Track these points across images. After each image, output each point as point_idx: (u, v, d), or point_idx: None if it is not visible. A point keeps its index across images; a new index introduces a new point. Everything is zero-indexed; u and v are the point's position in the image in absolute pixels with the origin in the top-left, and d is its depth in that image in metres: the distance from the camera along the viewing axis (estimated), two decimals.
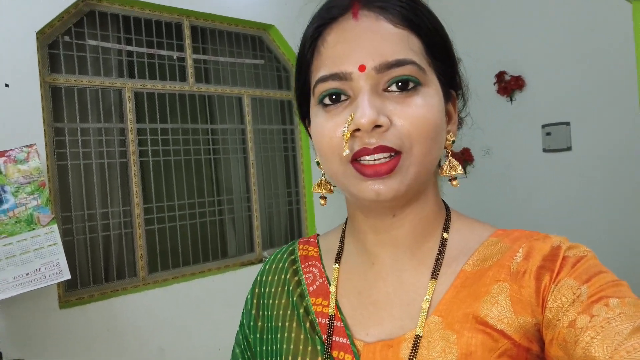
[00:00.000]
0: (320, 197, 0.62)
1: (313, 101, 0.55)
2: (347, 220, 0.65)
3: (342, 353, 0.54)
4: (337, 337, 0.55)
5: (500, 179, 4.07)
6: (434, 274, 0.54)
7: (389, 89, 0.50)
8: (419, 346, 0.50)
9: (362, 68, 0.49)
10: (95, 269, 3.07)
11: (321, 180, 0.60)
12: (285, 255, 0.68)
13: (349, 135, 0.49)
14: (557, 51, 3.58)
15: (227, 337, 3.58)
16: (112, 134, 3.19)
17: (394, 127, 0.49)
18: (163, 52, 3.42)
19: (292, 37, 4.04)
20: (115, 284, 3.12)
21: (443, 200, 0.61)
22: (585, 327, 0.43)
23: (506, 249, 0.53)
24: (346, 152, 0.49)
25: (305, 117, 0.61)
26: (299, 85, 0.58)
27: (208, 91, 3.66)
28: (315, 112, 0.54)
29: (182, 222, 3.48)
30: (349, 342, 0.54)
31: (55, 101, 2.93)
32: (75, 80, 3.00)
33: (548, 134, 3.83)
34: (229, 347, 3.63)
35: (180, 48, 3.53)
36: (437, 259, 0.55)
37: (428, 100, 0.50)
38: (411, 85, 0.50)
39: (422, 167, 0.51)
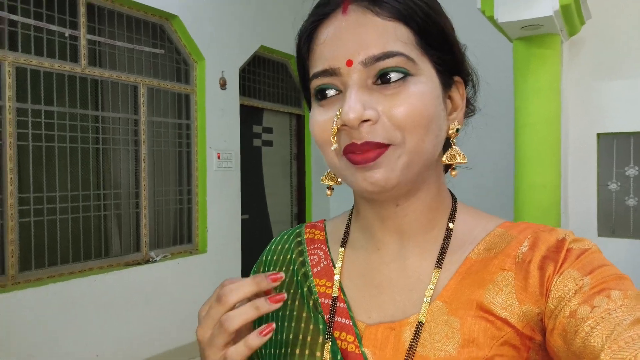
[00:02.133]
0: (327, 188, 0.62)
1: (312, 95, 0.56)
2: (353, 206, 0.66)
3: (343, 333, 0.54)
4: (340, 318, 0.56)
5: None
6: (439, 263, 0.55)
7: (378, 82, 0.50)
8: (421, 330, 0.51)
9: (349, 63, 0.50)
10: None
11: (328, 172, 0.61)
12: (291, 237, 0.68)
13: (336, 131, 0.50)
14: None
15: (108, 342, 3.34)
16: None
17: (383, 120, 0.49)
18: (53, 27, 3.09)
19: (194, 30, 3.92)
20: None
21: (450, 191, 0.62)
22: (586, 317, 0.43)
23: (512, 238, 0.54)
24: (334, 146, 0.50)
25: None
26: (301, 79, 0.60)
27: (102, 75, 3.38)
28: (313, 105, 0.55)
29: (62, 215, 3.15)
30: (351, 323, 0.55)
31: None
32: None
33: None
34: (108, 354, 3.43)
35: (74, 25, 3.22)
36: (442, 248, 0.56)
37: (419, 89, 0.50)
38: (400, 76, 0.49)
39: (415, 157, 0.50)
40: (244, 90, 4.60)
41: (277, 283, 0.50)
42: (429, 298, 0.52)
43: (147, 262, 3.63)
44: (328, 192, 0.63)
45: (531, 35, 3.09)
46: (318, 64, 0.53)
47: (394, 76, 0.49)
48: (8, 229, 2.84)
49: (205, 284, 3.94)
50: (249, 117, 4.67)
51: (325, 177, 0.62)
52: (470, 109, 0.62)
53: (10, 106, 2.85)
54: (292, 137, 5.33)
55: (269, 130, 4.99)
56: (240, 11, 4.35)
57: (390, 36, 0.50)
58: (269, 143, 4.99)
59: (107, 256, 3.45)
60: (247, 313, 0.48)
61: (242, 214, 4.44)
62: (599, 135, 3.58)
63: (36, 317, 2.85)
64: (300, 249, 0.66)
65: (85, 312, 3.12)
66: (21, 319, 2.78)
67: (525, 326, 0.48)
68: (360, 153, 0.49)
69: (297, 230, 0.70)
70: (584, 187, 3.55)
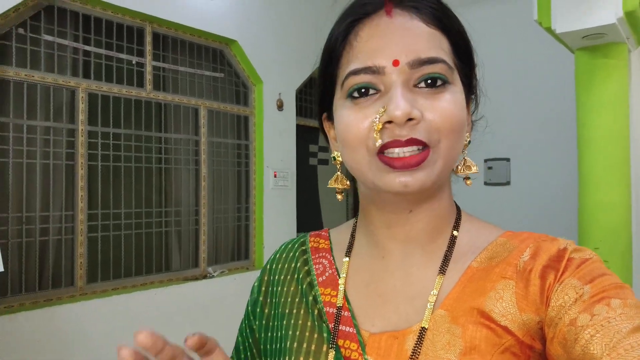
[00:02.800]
0: (337, 192, 0.63)
1: (340, 94, 0.55)
2: (358, 215, 0.66)
3: (347, 342, 0.55)
4: (344, 327, 0.56)
5: None
6: (442, 270, 0.55)
7: (419, 85, 0.51)
8: (424, 338, 0.51)
9: (395, 63, 0.50)
10: (29, 276, 2.87)
11: (337, 175, 0.62)
12: (296, 246, 0.69)
13: (380, 127, 0.50)
14: (501, 92, 3.84)
15: None
16: (61, 134, 3.04)
17: (425, 121, 0.50)
18: (122, 56, 3.34)
19: (253, 54, 4.07)
20: (49, 292, 2.93)
21: (454, 201, 0.62)
22: (586, 325, 0.44)
23: (514, 247, 0.54)
24: (378, 142, 0.50)
25: (324, 113, 0.62)
26: (324, 79, 0.59)
27: (165, 99, 3.59)
28: (342, 104, 0.55)
29: (127, 231, 3.35)
30: (355, 332, 0.55)
31: (2, 95, 2.77)
32: (26, 75, 2.85)
33: (490, 168, 4.07)
34: None
35: (140, 53, 3.46)
36: (445, 255, 0.56)
37: (455, 97, 0.52)
38: (440, 82, 0.51)
39: (447, 161, 0.52)
40: (300, 111, 4.70)
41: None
42: (432, 304, 0.53)
43: (205, 277, 3.75)
44: (339, 197, 0.63)
45: (594, 45, 2.92)
46: (359, 61, 0.52)
47: (434, 82, 0.51)
48: (78, 243, 3.06)
49: None
50: (305, 136, 4.76)
51: (334, 181, 0.62)
52: (472, 125, 0.63)
53: (82, 129, 3.09)
54: (331, 149, 5.34)
55: (324, 149, 5.05)
56: (296, 34, 4.47)
57: (436, 43, 0.52)
58: (324, 162, 5.04)
59: (167, 271, 3.61)
60: None
61: (298, 230, 4.50)
62: None
63: (100, 327, 3.02)
64: (305, 257, 0.66)
65: (146, 324, 3.26)
66: (86, 328, 2.96)
67: (526, 335, 0.49)
68: (400, 158, 0.50)
69: (302, 240, 0.70)
70: None
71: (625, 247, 2.87)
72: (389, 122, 0.50)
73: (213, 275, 3.78)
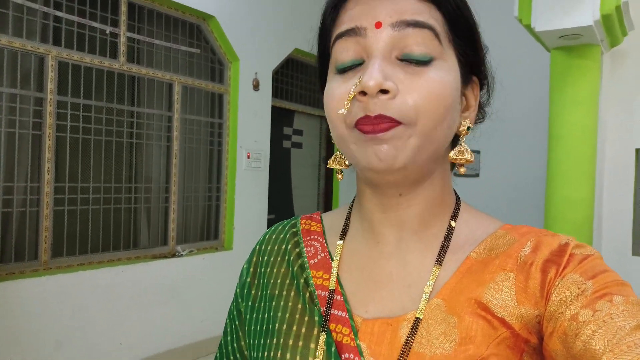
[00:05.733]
0: (336, 172, 0.61)
1: (330, 67, 0.55)
2: (354, 199, 0.65)
3: (339, 326, 0.54)
4: (336, 311, 0.55)
5: None
6: (439, 260, 0.54)
7: (403, 58, 0.49)
8: (418, 327, 0.50)
9: (378, 25, 0.49)
10: None
11: (336, 155, 0.60)
12: (287, 228, 0.68)
13: (352, 97, 0.49)
14: None
15: (132, 332, 3.42)
16: (28, 102, 2.91)
17: (400, 97, 0.48)
18: (95, 24, 3.20)
19: (230, 31, 3.99)
20: (12, 265, 2.83)
21: (455, 192, 0.61)
22: (588, 320, 0.43)
23: (514, 241, 0.54)
24: (342, 110, 0.49)
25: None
26: (319, 58, 0.59)
27: (139, 72, 3.48)
28: (331, 77, 0.54)
29: (94, 206, 3.26)
30: (347, 316, 0.54)
31: None
32: None
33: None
34: (132, 343, 3.50)
35: (115, 23, 3.33)
36: (442, 245, 0.55)
37: (441, 75, 0.49)
38: (426, 58, 0.49)
39: (426, 142, 0.49)
40: (276, 92, 4.65)
41: None
42: (428, 295, 0.52)
43: (174, 255, 3.70)
44: (339, 176, 0.62)
45: (570, 45, 3.01)
46: (343, 26, 0.52)
47: (420, 57, 0.49)
48: (43, 216, 2.95)
49: (229, 280, 3.98)
50: (280, 118, 4.72)
51: (333, 161, 0.61)
52: (481, 114, 0.61)
53: (51, 98, 2.96)
54: (322, 140, 5.35)
55: (299, 132, 5.02)
56: (276, 14, 4.40)
57: (424, 12, 0.50)
58: (298, 145, 5.02)
59: (135, 248, 3.54)
60: None
61: (269, 213, 4.48)
62: (637, 150, 3.44)
63: (65, 303, 2.95)
64: (296, 239, 0.65)
65: (112, 301, 3.20)
66: (50, 304, 2.88)
67: (522, 328, 0.48)
68: (371, 125, 0.48)
69: (293, 222, 0.69)
70: (620, 204, 3.42)
71: (587, 242, 3.00)
72: (364, 93, 0.48)
73: (182, 254, 3.73)
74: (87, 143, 3.21)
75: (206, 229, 4.09)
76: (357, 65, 0.51)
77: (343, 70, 0.52)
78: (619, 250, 3.35)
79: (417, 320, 0.50)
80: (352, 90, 0.49)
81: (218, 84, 4.09)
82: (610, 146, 3.44)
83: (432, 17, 0.50)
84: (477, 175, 4.11)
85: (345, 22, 0.52)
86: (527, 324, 0.48)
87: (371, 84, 0.46)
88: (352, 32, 0.51)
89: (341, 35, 0.52)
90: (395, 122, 0.48)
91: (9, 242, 2.85)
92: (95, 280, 3.12)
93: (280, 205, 4.74)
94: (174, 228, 3.76)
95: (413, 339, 0.49)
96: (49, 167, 2.97)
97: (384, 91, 0.47)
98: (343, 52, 0.52)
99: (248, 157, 4.22)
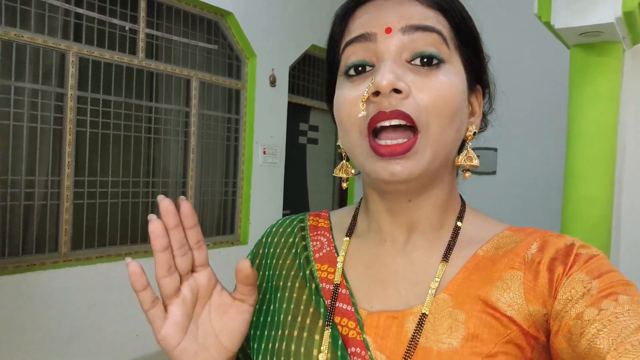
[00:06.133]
0: (342, 181, 0.62)
1: (339, 74, 0.55)
2: (361, 200, 0.65)
3: (345, 319, 0.54)
4: (341, 304, 0.55)
5: None
6: (445, 257, 0.55)
7: (413, 62, 0.50)
8: (424, 321, 0.50)
9: (388, 30, 0.50)
10: (13, 240, 2.84)
11: (342, 164, 0.61)
12: (295, 222, 0.68)
13: (366, 97, 0.49)
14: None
15: (147, 324, 3.45)
16: (49, 98, 2.97)
17: (413, 98, 0.49)
18: (115, 21, 3.25)
19: (248, 28, 4.01)
20: (33, 257, 2.90)
21: (460, 195, 0.61)
22: (593, 319, 0.44)
23: (520, 240, 0.54)
24: (362, 114, 0.50)
25: (332, 98, 0.61)
26: (328, 65, 0.60)
27: (157, 68, 3.52)
28: (340, 84, 0.55)
29: (113, 199, 3.32)
30: (353, 310, 0.54)
31: None
32: (15, 35, 2.76)
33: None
34: (147, 335, 3.53)
35: (134, 20, 3.37)
36: (449, 244, 0.56)
37: (449, 78, 0.51)
38: (435, 61, 0.50)
39: (438, 148, 0.50)
40: (292, 88, 4.66)
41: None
42: (434, 290, 0.52)
43: None
44: (344, 184, 0.62)
45: (590, 43, 2.95)
46: (353, 33, 0.53)
47: (429, 60, 0.50)
48: (63, 209, 3.02)
49: None
50: (296, 114, 4.73)
51: (339, 170, 0.61)
52: (484, 122, 0.62)
53: (72, 94, 3.02)
54: (338, 137, 5.34)
55: (314, 128, 5.03)
56: (293, 11, 4.40)
57: (432, 18, 0.52)
58: (314, 141, 5.03)
59: None
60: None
61: (284, 209, 4.51)
62: None
63: (84, 294, 3.02)
64: (303, 234, 0.66)
65: (128, 293, 3.26)
66: (69, 295, 2.95)
67: (531, 326, 0.48)
68: (387, 146, 0.49)
69: (301, 217, 0.69)
70: (639, 202, 3.36)
71: (605, 241, 2.96)
72: (377, 94, 0.49)
73: None
74: (107, 138, 3.27)
75: (222, 223, 4.13)
76: (366, 71, 0.52)
77: (353, 73, 0.53)
78: (637, 249, 3.29)
79: (424, 315, 0.51)
80: (366, 91, 0.49)
81: (235, 80, 4.12)
82: (631, 144, 3.37)
83: (440, 23, 0.52)
84: (494, 172, 4.07)
85: (355, 29, 0.53)
86: (535, 322, 0.49)
87: (384, 84, 0.47)
88: (362, 37, 0.52)
89: (351, 42, 0.53)
90: (410, 121, 0.49)
91: (31, 235, 2.92)
92: (113, 273, 3.19)
93: (295, 200, 4.76)
94: None
95: (420, 333, 0.50)
96: (69, 162, 3.03)
97: (397, 91, 0.48)
98: (352, 55, 0.53)
99: (264, 152, 4.24)
